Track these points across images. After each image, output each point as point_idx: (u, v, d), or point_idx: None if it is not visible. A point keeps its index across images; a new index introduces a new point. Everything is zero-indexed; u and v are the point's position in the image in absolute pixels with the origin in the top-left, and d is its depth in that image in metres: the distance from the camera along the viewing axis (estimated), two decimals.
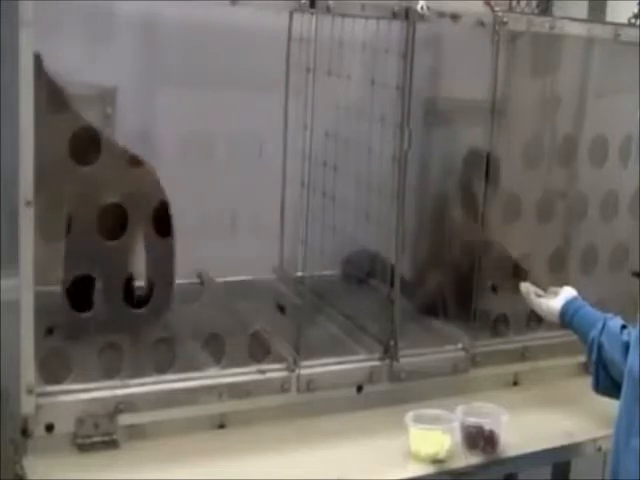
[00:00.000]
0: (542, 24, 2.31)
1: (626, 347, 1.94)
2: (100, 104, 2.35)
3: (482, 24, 2.21)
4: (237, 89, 2.48)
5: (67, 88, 2.08)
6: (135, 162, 2.15)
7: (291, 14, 2.21)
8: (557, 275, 2.44)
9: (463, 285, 2.38)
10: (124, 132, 2.31)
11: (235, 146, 2.48)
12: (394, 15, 2.09)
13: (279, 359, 2.08)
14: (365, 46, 2.33)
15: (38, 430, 1.80)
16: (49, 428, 1.81)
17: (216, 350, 2.04)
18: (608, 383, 2.05)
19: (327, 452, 1.97)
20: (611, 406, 1.92)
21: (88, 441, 1.85)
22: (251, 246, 2.48)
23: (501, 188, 2.35)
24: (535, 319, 2.35)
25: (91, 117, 2.14)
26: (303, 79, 2.21)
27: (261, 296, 2.53)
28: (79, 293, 1.98)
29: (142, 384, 1.92)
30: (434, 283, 2.55)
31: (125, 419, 1.89)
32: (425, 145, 2.55)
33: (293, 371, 2.06)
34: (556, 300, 2.21)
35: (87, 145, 1.96)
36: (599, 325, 2.08)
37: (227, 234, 2.50)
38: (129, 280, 2.12)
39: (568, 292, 2.22)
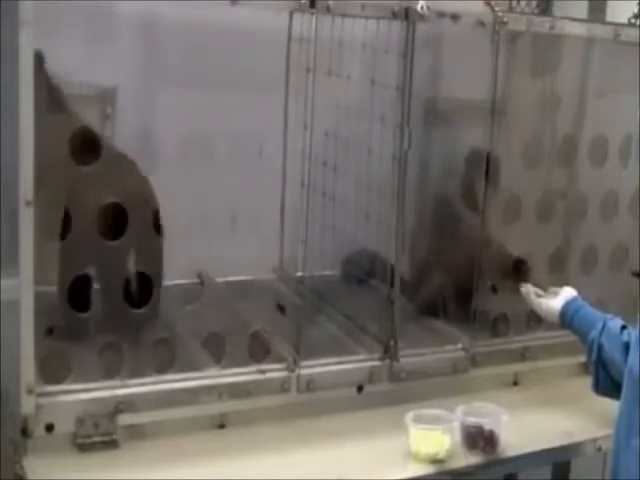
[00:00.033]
0: (542, 24, 2.31)
1: (626, 347, 1.94)
2: (100, 104, 2.35)
3: (482, 24, 2.21)
4: (237, 89, 2.48)
5: (66, 88, 2.08)
6: (129, 168, 2.14)
7: (291, 14, 2.21)
8: (557, 275, 2.44)
9: (463, 285, 2.38)
10: (124, 132, 2.32)
11: (235, 146, 2.48)
12: (394, 15, 2.09)
13: (279, 359, 2.08)
14: (365, 46, 2.33)
15: (38, 430, 1.80)
16: (49, 428, 1.81)
17: (216, 350, 2.04)
18: (608, 383, 2.05)
19: (327, 452, 1.97)
20: (611, 406, 1.93)
21: (88, 441, 1.85)
22: (251, 246, 2.48)
23: (501, 188, 2.35)
24: (535, 319, 2.35)
25: (91, 117, 2.15)
26: (303, 79, 2.21)
27: (261, 296, 2.53)
28: (77, 293, 1.98)
29: (142, 384, 1.92)
30: (434, 283, 2.55)
31: (125, 419, 1.89)
32: (425, 145, 2.55)
33: (293, 371, 2.06)
34: (556, 300, 2.21)
35: (85, 146, 1.96)
36: (599, 325, 2.08)
37: (227, 234, 2.50)
38: (128, 280, 2.12)
39: (568, 292, 2.22)
